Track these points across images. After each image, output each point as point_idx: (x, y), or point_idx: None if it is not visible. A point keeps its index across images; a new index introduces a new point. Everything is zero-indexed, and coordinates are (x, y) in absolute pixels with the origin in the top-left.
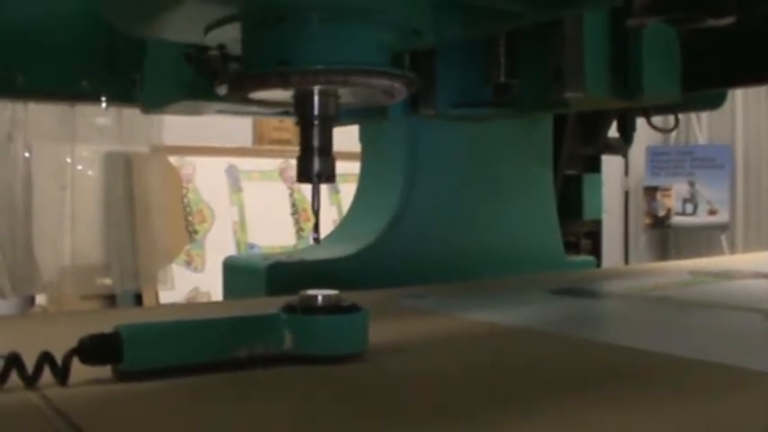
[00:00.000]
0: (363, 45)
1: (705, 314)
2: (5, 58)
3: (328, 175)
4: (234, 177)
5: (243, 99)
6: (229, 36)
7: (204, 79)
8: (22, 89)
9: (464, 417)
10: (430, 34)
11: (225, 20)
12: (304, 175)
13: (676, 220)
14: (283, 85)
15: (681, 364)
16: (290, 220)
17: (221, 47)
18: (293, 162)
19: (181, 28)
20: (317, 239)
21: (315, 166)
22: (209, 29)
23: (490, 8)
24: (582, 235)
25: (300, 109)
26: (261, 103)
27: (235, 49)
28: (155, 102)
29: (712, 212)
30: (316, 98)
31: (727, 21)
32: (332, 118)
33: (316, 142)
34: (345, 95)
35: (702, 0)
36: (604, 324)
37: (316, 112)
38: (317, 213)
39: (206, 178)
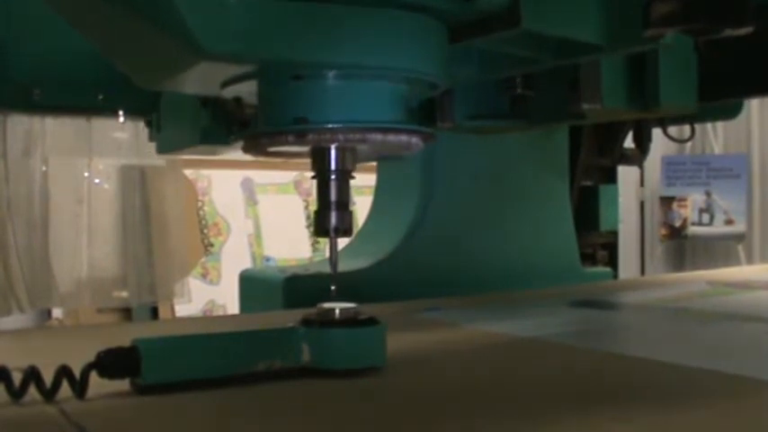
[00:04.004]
0: (380, 102)
1: (727, 326)
2: (23, 74)
3: (345, 230)
4: (249, 190)
5: (259, 153)
6: (246, 90)
7: (220, 125)
8: (39, 104)
9: (483, 430)
10: (447, 83)
11: (241, 77)
12: (321, 229)
13: (693, 230)
14: (300, 143)
15: (703, 376)
16: (305, 232)
17: (237, 99)
18: (308, 175)
19: (197, 84)
20: (334, 293)
21: (332, 221)
22: (225, 84)
23: (508, 55)
24: (598, 246)
25: (318, 163)
26: (278, 154)
27: (251, 99)
28: (170, 146)
29: (729, 222)
30: (333, 153)
31: (745, 31)
32: (349, 172)
33: (333, 197)
34: (363, 149)
35: (721, 10)
36: (625, 336)
37: (333, 166)
38: (334, 266)
39: (221, 191)
